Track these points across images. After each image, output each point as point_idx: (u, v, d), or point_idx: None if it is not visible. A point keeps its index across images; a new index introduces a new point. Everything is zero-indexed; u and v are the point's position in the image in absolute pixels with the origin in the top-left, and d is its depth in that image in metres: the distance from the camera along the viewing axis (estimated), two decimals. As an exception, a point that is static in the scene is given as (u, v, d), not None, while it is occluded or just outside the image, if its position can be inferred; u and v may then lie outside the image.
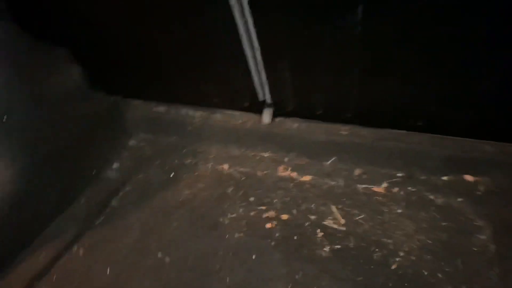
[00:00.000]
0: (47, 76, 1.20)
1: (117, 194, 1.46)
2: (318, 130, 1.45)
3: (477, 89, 1.19)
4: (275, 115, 1.51)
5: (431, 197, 1.38)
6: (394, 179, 1.43)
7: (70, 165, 1.33)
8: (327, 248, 1.27)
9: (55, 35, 1.31)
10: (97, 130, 1.47)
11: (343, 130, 1.44)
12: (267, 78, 1.36)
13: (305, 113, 1.46)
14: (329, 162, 1.48)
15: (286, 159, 1.51)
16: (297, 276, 1.21)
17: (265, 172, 1.51)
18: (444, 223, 1.30)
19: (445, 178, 1.39)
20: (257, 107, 1.51)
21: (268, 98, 1.45)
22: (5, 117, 1.06)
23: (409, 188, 1.41)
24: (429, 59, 1.14)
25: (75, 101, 1.37)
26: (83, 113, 1.39)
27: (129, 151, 1.60)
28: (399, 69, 1.18)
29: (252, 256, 1.27)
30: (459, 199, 1.35)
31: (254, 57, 1.30)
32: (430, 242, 1.26)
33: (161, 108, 1.58)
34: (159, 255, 1.28)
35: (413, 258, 1.23)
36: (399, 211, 1.36)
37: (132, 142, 1.62)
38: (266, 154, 1.54)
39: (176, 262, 1.26)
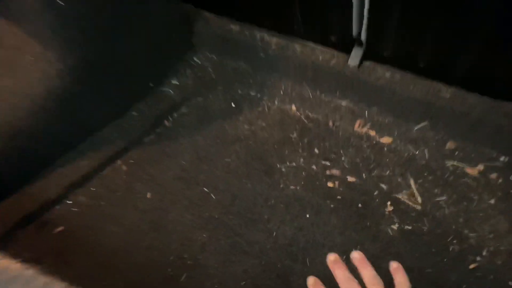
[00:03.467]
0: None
1: (172, 114, 1.33)
2: (414, 86, 1.19)
3: None
4: (365, 57, 1.25)
5: (538, 194, 1.12)
6: (494, 163, 1.17)
7: (125, 72, 1.19)
8: (395, 226, 1.08)
9: None
10: (160, 38, 1.30)
11: (445, 92, 1.17)
12: (369, 8, 1.10)
13: (403, 62, 1.20)
14: (418, 126, 1.24)
15: (366, 113, 1.29)
16: (353, 250, 1.04)
17: (338, 123, 1.30)
18: (547, 230, 1.06)
19: (562, 175, 1.12)
20: (345, 45, 1.26)
21: (362, 35, 1.19)
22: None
23: (512, 178, 1.15)
24: None
25: (141, 1, 1.19)
26: (147, 16, 1.22)
27: (191, 69, 1.43)
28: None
29: (306, 214, 1.11)
30: None
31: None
32: (524, 248, 1.03)
33: (234, 27, 1.37)
34: (205, 189, 1.15)
35: (499, 262, 1.02)
36: (492, 202, 1.12)
37: (196, 60, 1.45)
38: (344, 103, 1.31)
39: (222, 202, 1.13)
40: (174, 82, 1.39)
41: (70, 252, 0.99)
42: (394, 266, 0.84)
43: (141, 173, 1.18)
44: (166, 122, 1.31)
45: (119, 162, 1.19)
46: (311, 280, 0.84)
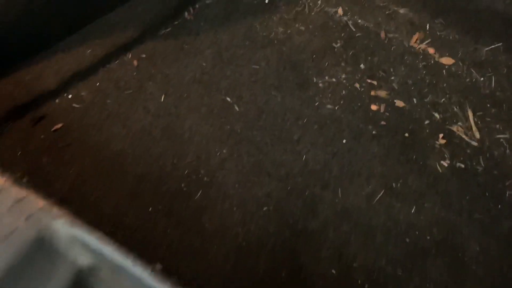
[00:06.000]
0: None
1: (194, 3, 1.11)
2: (498, -4, 0.96)
3: None
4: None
5: None
6: None
7: None
8: (445, 162, 0.93)
9: None
10: None
11: (536, 7, 0.94)
12: None
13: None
14: (489, 47, 1.02)
15: (428, 26, 1.06)
16: (394, 183, 0.90)
17: (392, 35, 1.08)
18: None
19: None
20: None
21: None
22: None
23: None
24: None
25: None
26: None
27: (220, -49, 1.18)
28: None
29: (342, 139, 0.95)
30: None
31: None
32: None
33: None
34: (228, 99, 0.99)
35: (560, 214, 0.88)
36: None
37: None
38: (402, 10, 1.09)
39: (246, 114, 0.97)
40: (199, -35, 1.15)
41: (69, 152, 0.86)
42: None
43: (155, 71, 1.01)
44: (186, 14, 1.10)
45: (129, 55, 1.01)
46: None
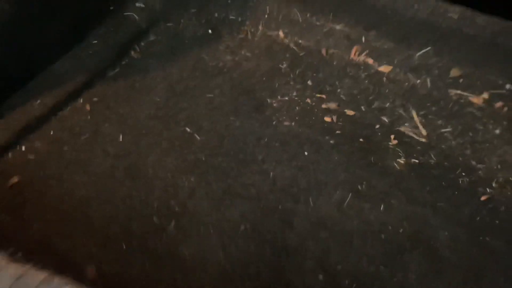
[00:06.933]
0: None
1: (139, 42, 1.12)
2: (419, 6, 1.07)
3: None
4: (363, -26, 1.10)
5: (545, 122, 1.06)
6: (500, 91, 1.10)
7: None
8: (401, 160, 0.99)
9: None
10: None
11: (453, 13, 1.06)
12: None
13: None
14: (420, 52, 1.12)
15: (363, 39, 1.15)
16: (359, 187, 0.94)
17: (332, 51, 1.16)
18: (555, 157, 1.01)
19: None
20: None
21: None
22: None
23: (518, 105, 1.09)
24: None
25: None
26: None
27: (158, -10, 1.21)
28: None
29: (304, 152, 0.99)
30: None
31: None
32: (533, 177, 0.98)
33: None
34: (188, 130, 0.99)
35: (509, 192, 0.96)
36: (497, 132, 1.05)
37: (163, -22, 1.23)
38: (338, 27, 1.16)
39: (208, 143, 0.98)
40: (139, 4, 1.17)
41: (30, 206, 0.81)
42: None
43: (109, 113, 0.99)
44: (132, 53, 1.10)
45: (80, 100, 0.99)
46: None
